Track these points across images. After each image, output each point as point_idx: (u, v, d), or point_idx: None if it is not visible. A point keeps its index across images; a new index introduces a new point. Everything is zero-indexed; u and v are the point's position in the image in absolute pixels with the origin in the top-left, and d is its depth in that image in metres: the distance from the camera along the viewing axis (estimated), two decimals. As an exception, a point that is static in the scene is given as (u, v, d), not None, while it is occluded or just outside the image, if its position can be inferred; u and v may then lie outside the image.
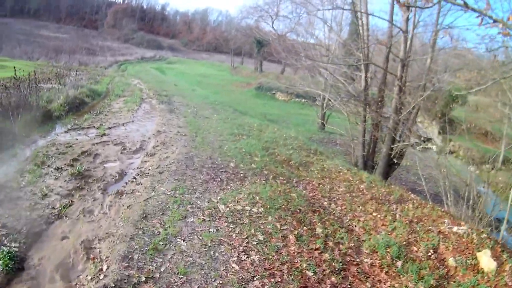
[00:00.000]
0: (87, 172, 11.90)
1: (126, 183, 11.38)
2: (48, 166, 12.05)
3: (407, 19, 15.38)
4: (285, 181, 12.77)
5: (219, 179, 12.07)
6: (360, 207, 11.10)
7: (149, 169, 12.35)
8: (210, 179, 11.93)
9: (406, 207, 11.02)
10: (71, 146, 14.19)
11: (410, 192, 13.05)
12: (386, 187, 13.00)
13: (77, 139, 15.31)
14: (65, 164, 12.31)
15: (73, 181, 11.16)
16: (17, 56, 55.36)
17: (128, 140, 16.00)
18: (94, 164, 12.74)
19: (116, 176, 11.88)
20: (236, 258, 7.66)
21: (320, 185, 12.97)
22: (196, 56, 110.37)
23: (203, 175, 12.17)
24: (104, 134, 16.31)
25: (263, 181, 12.32)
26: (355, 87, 19.09)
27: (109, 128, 17.75)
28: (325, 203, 11.40)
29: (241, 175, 12.80)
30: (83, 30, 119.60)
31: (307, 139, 23.54)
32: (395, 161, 16.64)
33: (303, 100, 49.80)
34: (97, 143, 14.90)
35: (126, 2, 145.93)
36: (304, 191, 12.12)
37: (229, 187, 11.55)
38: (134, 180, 11.50)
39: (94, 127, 17.64)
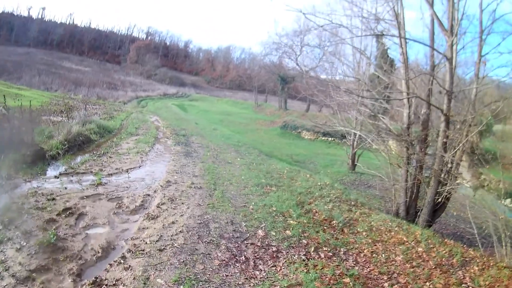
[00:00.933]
0: (61, 242, 8.32)
1: (111, 264, 7.69)
2: (16, 227, 8.54)
3: (452, 45, 13.14)
4: (330, 254, 9.40)
5: (243, 257, 8.56)
6: (427, 284, 8.53)
7: (146, 243, 8.68)
8: (230, 258, 8.42)
9: (472, 271, 9.26)
10: (54, 199, 10.61)
11: (463, 245, 11.12)
12: (443, 244, 10.79)
13: (66, 188, 11.82)
14: (37, 226, 8.78)
15: (40, 255, 7.61)
16: (35, 86, 54.00)
17: (128, 193, 12.37)
18: (74, 230, 9.09)
19: (98, 252, 8.23)
20: None
21: (374, 255, 9.81)
22: (219, 94, 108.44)
23: (221, 252, 8.65)
24: (100, 184, 12.77)
25: (303, 258, 8.91)
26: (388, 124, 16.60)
27: (110, 175, 14.26)
28: (385, 284, 8.27)
29: (273, 249, 9.27)
30: (105, 64, 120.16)
31: (338, 182, 21.44)
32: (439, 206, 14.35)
33: (329, 138, 47.43)
34: (87, 197, 11.31)
35: (149, 38, 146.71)
36: (357, 268, 8.85)
37: (257, 272, 8.01)
38: (122, 261, 7.82)
39: (91, 172, 14.18)
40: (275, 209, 12.13)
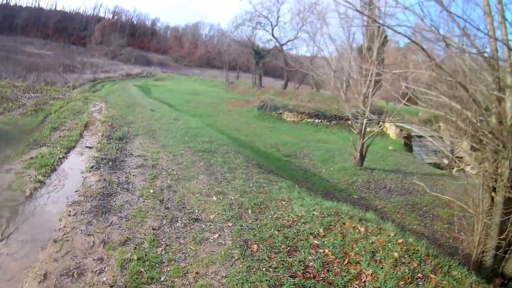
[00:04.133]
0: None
1: None
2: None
3: None
4: None
5: None
6: None
7: None
8: None
9: None
10: None
11: None
12: None
13: None
14: None
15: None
16: None
17: None
18: None
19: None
20: None
21: None
22: (187, 72, 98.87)
23: None
24: None
25: None
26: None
27: None
28: None
29: None
30: (70, 46, 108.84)
31: (350, 186, 18.23)
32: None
33: (316, 120, 38.51)
34: None
35: (115, 18, 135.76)
36: None
37: None
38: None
39: None
40: None
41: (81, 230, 7.64)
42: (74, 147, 14.55)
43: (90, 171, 11.38)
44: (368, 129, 33.78)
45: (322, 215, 8.57)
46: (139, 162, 12.94)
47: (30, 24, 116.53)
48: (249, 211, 8.90)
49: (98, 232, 7.61)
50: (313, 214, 8.63)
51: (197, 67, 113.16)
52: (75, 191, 9.75)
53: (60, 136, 15.69)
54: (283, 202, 9.62)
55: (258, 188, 10.71)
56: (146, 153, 14.20)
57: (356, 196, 16.81)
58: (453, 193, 16.62)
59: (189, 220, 8.49)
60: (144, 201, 9.41)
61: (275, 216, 8.63)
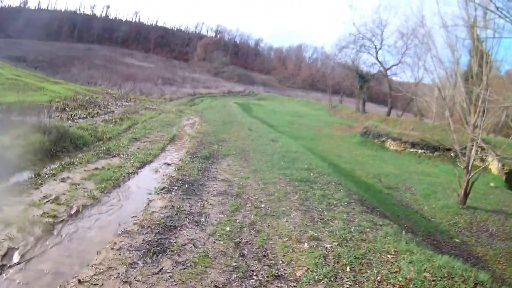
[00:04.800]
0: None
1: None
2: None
3: None
4: None
5: None
6: None
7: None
8: None
9: None
10: None
11: None
12: None
13: None
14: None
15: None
16: (77, 80, 46.93)
17: None
18: None
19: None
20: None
21: None
22: (291, 93, 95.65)
23: None
24: None
25: None
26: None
27: None
28: None
29: None
30: (171, 61, 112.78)
31: (452, 227, 16.22)
32: None
33: (419, 151, 35.41)
34: None
35: (218, 36, 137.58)
36: None
37: None
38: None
39: None
40: None
41: (119, 273, 5.71)
42: (150, 161, 12.95)
43: (159, 193, 9.51)
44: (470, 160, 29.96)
45: (434, 278, 6.54)
46: (222, 188, 10.87)
47: (130, 37, 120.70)
48: (347, 269, 6.59)
49: (139, 281, 5.55)
50: (424, 276, 6.56)
51: (300, 89, 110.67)
52: (132, 217, 7.89)
53: (138, 148, 14.28)
54: (389, 256, 7.28)
55: (360, 234, 8.26)
56: (233, 177, 12.18)
57: (458, 240, 14.89)
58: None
59: (268, 277, 6.17)
60: (214, 242, 7.25)
61: (378, 278, 6.45)
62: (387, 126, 40.60)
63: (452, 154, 34.21)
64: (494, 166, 29.10)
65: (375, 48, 54.01)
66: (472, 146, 17.90)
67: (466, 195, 19.07)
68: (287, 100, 75.04)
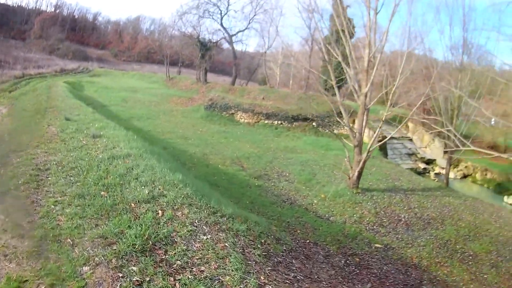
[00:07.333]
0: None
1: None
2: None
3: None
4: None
5: None
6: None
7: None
8: None
9: None
10: None
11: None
12: None
13: None
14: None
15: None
16: None
17: None
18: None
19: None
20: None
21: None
22: (126, 67, 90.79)
23: None
24: None
25: None
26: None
27: None
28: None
29: None
30: (8, 41, 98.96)
31: (359, 225, 14.31)
32: None
33: (275, 122, 33.29)
34: None
35: (57, 11, 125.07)
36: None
37: None
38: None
39: None
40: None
41: None
42: None
43: None
44: (335, 131, 28.54)
45: None
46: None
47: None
48: None
49: None
50: None
51: (136, 62, 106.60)
52: None
53: None
54: None
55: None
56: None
57: (379, 246, 12.90)
58: (454, 211, 16.87)
59: None
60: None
61: None
62: (234, 96, 38.84)
63: (314, 124, 32.59)
64: (365, 134, 28.55)
65: (221, 13, 51.40)
66: (363, 119, 16.90)
67: (359, 177, 17.71)
68: (121, 75, 69.42)
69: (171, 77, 60.84)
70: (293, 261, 8.18)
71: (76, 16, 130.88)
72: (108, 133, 14.74)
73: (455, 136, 16.67)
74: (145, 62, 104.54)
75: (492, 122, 44.56)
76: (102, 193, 8.54)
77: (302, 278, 7.25)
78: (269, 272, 6.31)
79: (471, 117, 24.42)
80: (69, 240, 6.59)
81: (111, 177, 9.50)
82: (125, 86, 49.93)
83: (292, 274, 7.04)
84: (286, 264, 7.54)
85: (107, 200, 8.00)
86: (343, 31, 17.81)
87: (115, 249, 6.02)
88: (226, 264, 5.89)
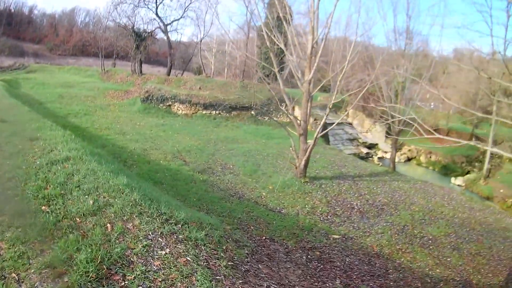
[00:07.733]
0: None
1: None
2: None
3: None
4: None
5: None
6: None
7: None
8: None
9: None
10: None
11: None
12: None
13: None
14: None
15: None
16: None
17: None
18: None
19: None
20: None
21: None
22: (61, 62, 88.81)
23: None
24: None
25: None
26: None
27: None
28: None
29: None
30: None
31: (313, 216, 14.26)
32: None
33: (213, 112, 34.70)
34: None
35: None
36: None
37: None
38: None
39: None
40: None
41: None
42: None
43: None
44: (275, 118, 28.05)
45: None
46: None
47: None
48: None
49: None
50: None
51: (71, 56, 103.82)
52: None
53: None
54: None
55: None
56: None
57: (337, 236, 12.88)
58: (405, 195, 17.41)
59: None
60: None
61: None
62: (170, 87, 38.47)
63: (253, 112, 31.85)
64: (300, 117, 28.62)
65: (156, 2, 50.50)
66: (308, 106, 16.75)
67: (306, 166, 17.88)
68: (57, 70, 66.54)
69: (107, 70, 59.23)
70: (259, 266, 7.78)
71: (13, 10, 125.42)
72: (45, 135, 13.32)
73: (400, 121, 18.42)
74: (81, 56, 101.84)
75: (432, 106, 45.95)
76: (43, 207, 7.34)
77: (276, 286, 6.90)
78: (241, 286, 5.76)
79: (415, 102, 25.55)
80: (14, 275, 5.33)
81: (51, 186, 8.29)
82: (61, 81, 48.38)
83: (265, 284, 6.63)
84: (254, 272, 7.08)
85: (49, 217, 6.85)
86: (284, 17, 17.84)
87: (66, 282, 5.09)
88: (193, 284, 5.27)
